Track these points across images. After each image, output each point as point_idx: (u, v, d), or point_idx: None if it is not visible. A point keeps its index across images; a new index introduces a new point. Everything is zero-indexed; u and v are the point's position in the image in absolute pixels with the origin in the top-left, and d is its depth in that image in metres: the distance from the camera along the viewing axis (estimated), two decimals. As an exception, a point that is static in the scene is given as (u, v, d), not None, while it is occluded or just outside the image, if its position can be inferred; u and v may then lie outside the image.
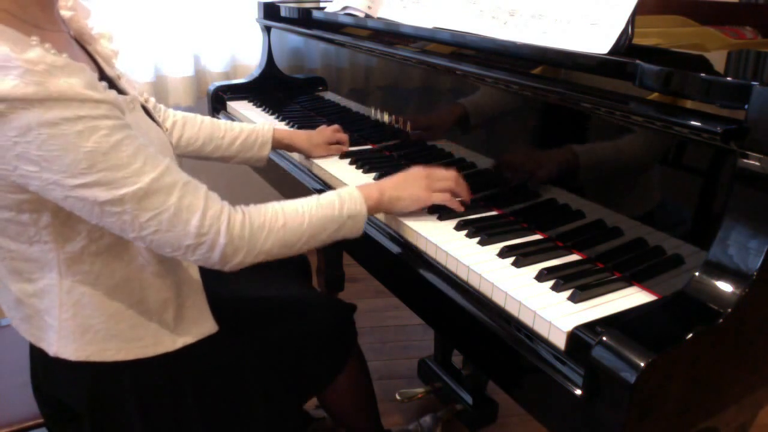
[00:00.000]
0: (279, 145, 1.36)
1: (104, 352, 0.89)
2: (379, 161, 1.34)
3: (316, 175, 1.36)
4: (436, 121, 1.26)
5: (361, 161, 1.32)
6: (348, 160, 1.34)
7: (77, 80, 0.71)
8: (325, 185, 1.30)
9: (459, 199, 1.07)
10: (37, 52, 0.69)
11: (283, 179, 1.47)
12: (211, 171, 2.22)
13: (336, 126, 1.43)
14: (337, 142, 1.40)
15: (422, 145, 1.29)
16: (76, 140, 0.70)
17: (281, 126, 1.63)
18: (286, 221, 0.89)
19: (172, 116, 1.25)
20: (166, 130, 1.13)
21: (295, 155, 1.44)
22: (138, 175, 0.75)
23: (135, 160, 0.75)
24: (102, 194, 0.73)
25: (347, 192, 0.97)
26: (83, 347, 0.89)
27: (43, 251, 0.83)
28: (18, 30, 0.72)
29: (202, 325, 0.98)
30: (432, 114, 1.28)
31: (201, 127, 1.27)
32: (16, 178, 0.73)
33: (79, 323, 0.88)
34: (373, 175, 1.27)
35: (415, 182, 1.04)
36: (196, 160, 1.28)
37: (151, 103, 1.21)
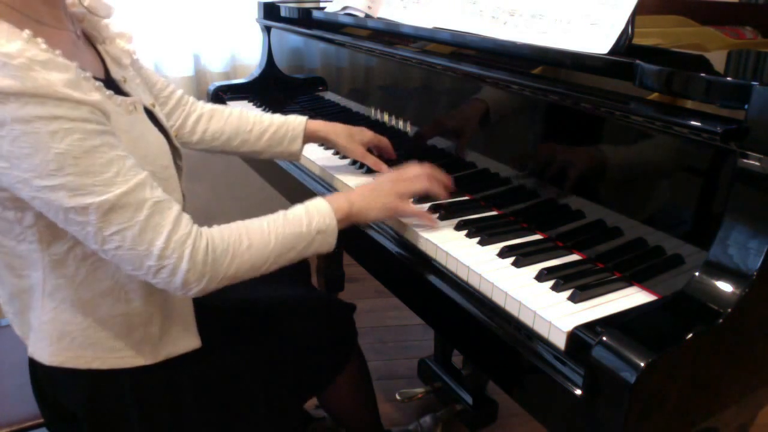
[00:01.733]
0: (313, 138, 1.27)
1: (78, 359, 0.88)
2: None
3: (318, 176, 1.36)
4: (437, 121, 1.26)
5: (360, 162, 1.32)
6: (348, 161, 1.34)
7: (57, 76, 0.70)
8: (325, 185, 1.30)
9: (439, 202, 1.04)
10: (17, 45, 0.68)
11: (284, 179, 1.47)
12: (211, 170, 2.23)
13: (383, 138, 1.29)
14: (375, 151, 1.30)
15: (422, 145, 1.29)
16: (48, 140, 0.69)
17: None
18: (251, 243, 0.85)
19: (199, 109, 1.22)
20: (175, 135, 1.10)
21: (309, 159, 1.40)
22: (107, 186, 0.73)
23: (107, 170, 0.73)
24: (67, 200, 0.71)
25: (315, 206, 0.93)
26: (58, 352, 0.88)
27: (29, 250, 0.82)
28: (13, 24, 0.71)
29: (186, 339, 0.96)
30: (433, 114, 1.28)
31: (228, 120, 1.22)
32: None
33: (57, 327, 0.87)
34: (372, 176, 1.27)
35: (383, 191, 1.00)
36: (200, 157, 1.26)
37: (176, 96, 1.19)
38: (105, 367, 0.89)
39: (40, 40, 0.71)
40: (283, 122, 1.24)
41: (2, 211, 0.79)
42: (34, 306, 0.87)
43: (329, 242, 0.93)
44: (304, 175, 1.38)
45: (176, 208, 0.81)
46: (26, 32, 0.70)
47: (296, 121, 1.24)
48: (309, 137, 1.26)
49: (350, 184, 1.21)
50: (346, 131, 1.26)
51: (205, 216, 1.03)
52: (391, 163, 1.28)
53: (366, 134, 1.27)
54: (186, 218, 0.82)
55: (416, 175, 1.03)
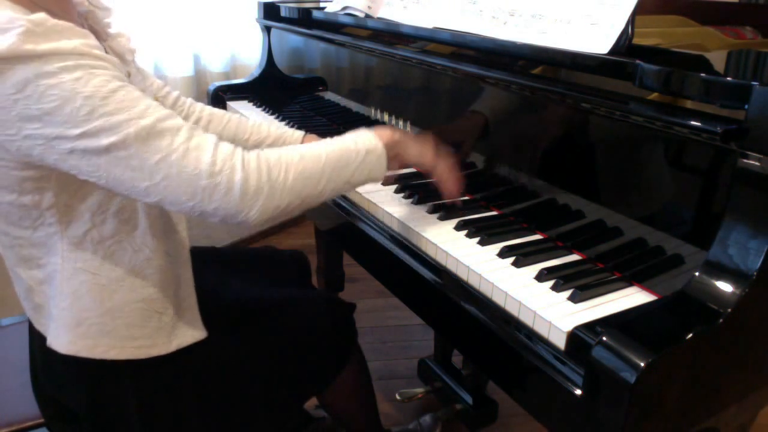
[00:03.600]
0: None
1: (95, 349, 0.88)
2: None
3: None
4: (438, 130, 1.26)
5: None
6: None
7: (78, 40, 0.72)
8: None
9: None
10: (41, 16, 0.70)
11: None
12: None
13: None
14: None
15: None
16: (74, 86, 0.70)
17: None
18: (302, 155, 0.84)
19: (197, 112, 1.22)
20: None
21: None
22: (140, 117, 0.73)
23: (137, 104, 0.74)
24: (105, 140, 0.71)
25: (357, 132, 0.92)
26: (75, 340, 0.88)
27: (47, 234, 0.83)
28: (26, 8, 0.73)
29: (194, 328, 0.97)
30: (433, 114, 1.28)
31: (226, 126, 1.22)
32: (21, 142, 0.72)
33: (75, 314, 0.87)
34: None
35: (427, 141, 1.00)
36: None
37: (172, 97, 1.19)
38: (122, 357, 0.89)
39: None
40: (280, 135, 1.24)
41: (20, 197, 0.79)
42: (52, 294, 0.88)
43: (380, 165, 0.91)
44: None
45: (214, 134, 0.80)
46: (41, 14, 0.72)
47: (293, 136, 1.24)
48: None
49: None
50: None
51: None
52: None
53: None
54: (226, 141, 0.81)
55: (450, 159, 1.03)
